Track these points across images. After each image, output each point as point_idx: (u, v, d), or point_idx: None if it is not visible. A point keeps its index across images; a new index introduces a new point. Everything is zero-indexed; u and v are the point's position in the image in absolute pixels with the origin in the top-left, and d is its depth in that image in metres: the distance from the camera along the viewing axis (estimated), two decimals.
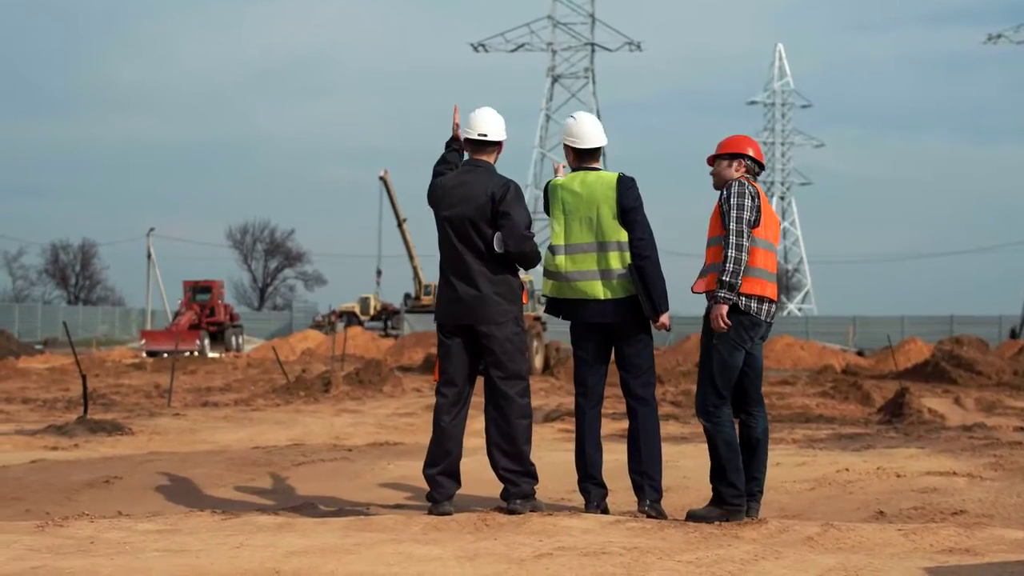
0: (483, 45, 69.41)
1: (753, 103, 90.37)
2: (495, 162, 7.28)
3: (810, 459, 10.21)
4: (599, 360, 7.23)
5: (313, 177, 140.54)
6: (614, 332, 7.13)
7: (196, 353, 43.01)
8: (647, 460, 7.10)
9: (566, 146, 7.32)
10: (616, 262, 7.01)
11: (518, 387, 7.05)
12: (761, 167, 7.32)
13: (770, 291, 6.99)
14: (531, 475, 7.04)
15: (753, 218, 6.90)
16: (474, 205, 6.98)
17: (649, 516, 6.94)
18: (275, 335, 66.08)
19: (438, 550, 5.65)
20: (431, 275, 73.37)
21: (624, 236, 7.01)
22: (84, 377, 14.26)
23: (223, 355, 42.99)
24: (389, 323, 65.34)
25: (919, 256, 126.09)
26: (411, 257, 70.45)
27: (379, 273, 68.55)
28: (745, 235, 6.86)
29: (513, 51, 68.90)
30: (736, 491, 6.92)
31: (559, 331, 33.20)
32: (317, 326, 64.62)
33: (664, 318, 7.04)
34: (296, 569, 5.24)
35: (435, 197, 7.20)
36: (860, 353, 46.85)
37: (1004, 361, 30.40)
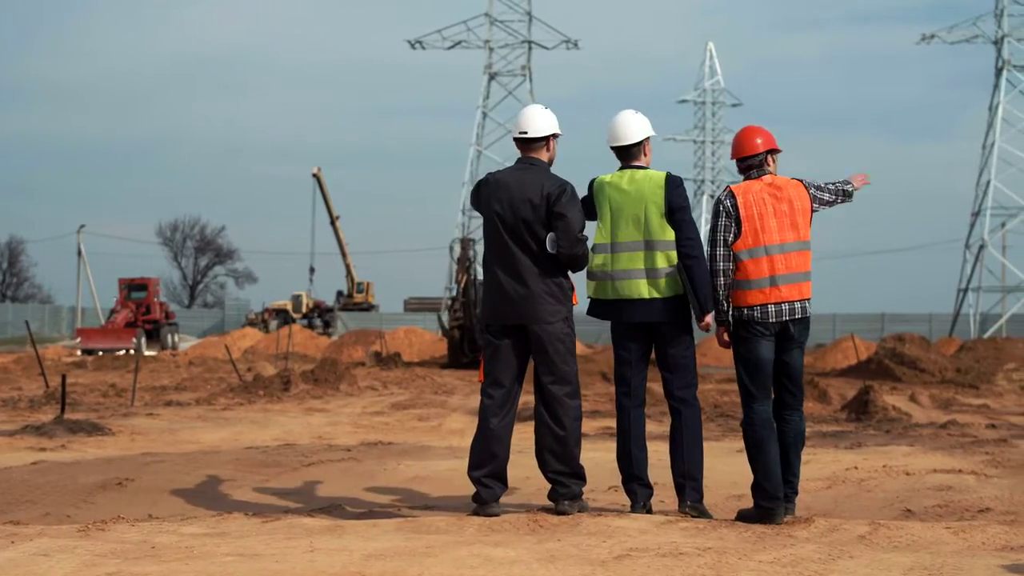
0: (420, 42, 69.10)
1: (684, 102, 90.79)
2: (550, 159, 7.22)
3: (811, 457, 10.27)
4: (642, 360, 7.21)
5: (244, 174, 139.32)
6: (658, 332, 7.11)
7: (132, 351, 42.53)
8: (689, 461, 7.09)
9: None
10: (663, 261, 7.00)
11: (568, 389, 7.01)
12: (745, 159, 7.14)
13: (775, 295, 6.86)
14: (580, 476, 7.03)
15: (730, 236, 6.90)
16: (530, 204, 6.94)
17: (692, 516, 6.95)
18: (207, 333, 65.51)
19: (513, 552, 5.62)
20: (363, 273, 73.34)
21: (671, 235, 7.00)
22: (64, 377, 14.00)
23: (159, 353, 42.52)
24: (325, 320, 65.22)
25: (848, 255, 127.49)
26: (344, 255, 70.29)
27: (312, 271, 68.29)
28: (719, 258, 6.92)
29: (450, 48, 68.70)
30: (763, 492, 6.87)
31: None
32: (250, 323, 64.22)
33: (708, 318, 7.04)
34: (381, 573, 5.18)
35: (485, 193, 7.15)
36: None
37: (946, 359, 30.95)
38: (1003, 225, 63.54)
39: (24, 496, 8.31)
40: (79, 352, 43.25)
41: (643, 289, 7.05)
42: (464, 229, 64.21)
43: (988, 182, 62.55)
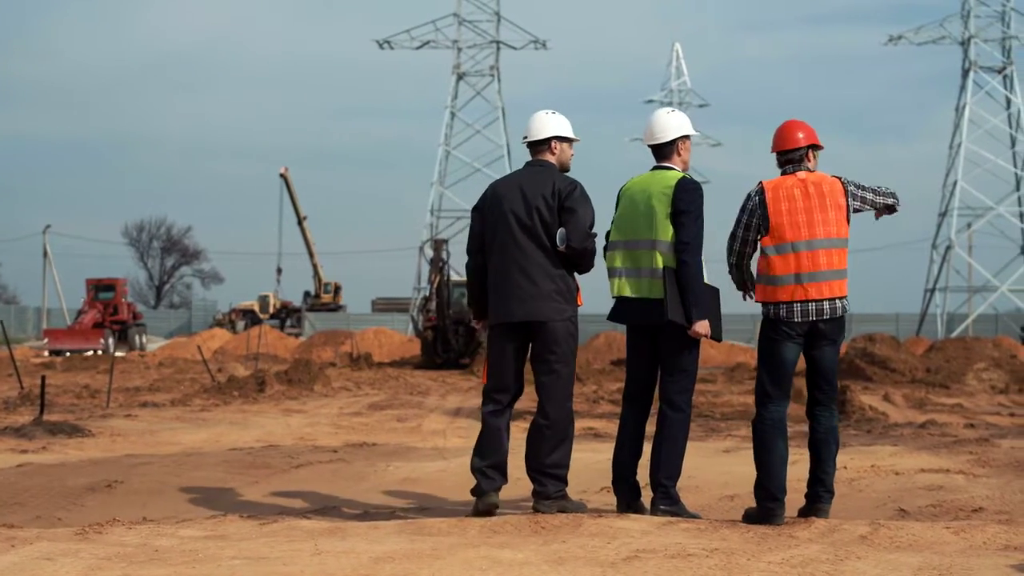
0: (388, 42, 68.90)
1: (650, 102, 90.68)
2: (558, 161, 7.26)
3: (799, 457, 10.25)
4: (648, 360, 7.16)
5: (210, 174, 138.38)
6: (660, 333, 7.08)
7: (101, 352, 42.28)
8: (664, 465, 7.01)
9: None
10: (657, 262, 6.96)
11: (563, 388, 7.04)
12: (785, 153, 7.05)
13: (800, 293, 6.82)
14: (563, 479, 7.07)
15: (753, 233, 6.92)
16: (544, 201, 7.01)
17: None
18: (174, 334, 65.19)
19: (521, 554, 5.59)
20: (331, 273, 73.05)
21: (670, 237, 6.96)
22: (43, 379, 13.89)
23: (127, 354, 42.27)
24: (291, 321, 65.13)
25: None
26: (311, 255, 70.07)
27: (279, 271, 68.06)
28: (735, 253, 6.99)
29: (418, 48, 68.54)
30: (765, 492, 6.85)
31: None
32: (218, 324, 63.95)
33: (698, 326, 6.90)
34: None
35: (496, 196, 7.21)
36: None
37: (916, 358, 31.10)
38: (969, 226, 63.98)
39: (12, 499, 8.23)
40: (47, 353, 42.94)
41: (644, 288, 7.03)
42: (432, 230, 64.10)
43: (955, 183, 62.96)
